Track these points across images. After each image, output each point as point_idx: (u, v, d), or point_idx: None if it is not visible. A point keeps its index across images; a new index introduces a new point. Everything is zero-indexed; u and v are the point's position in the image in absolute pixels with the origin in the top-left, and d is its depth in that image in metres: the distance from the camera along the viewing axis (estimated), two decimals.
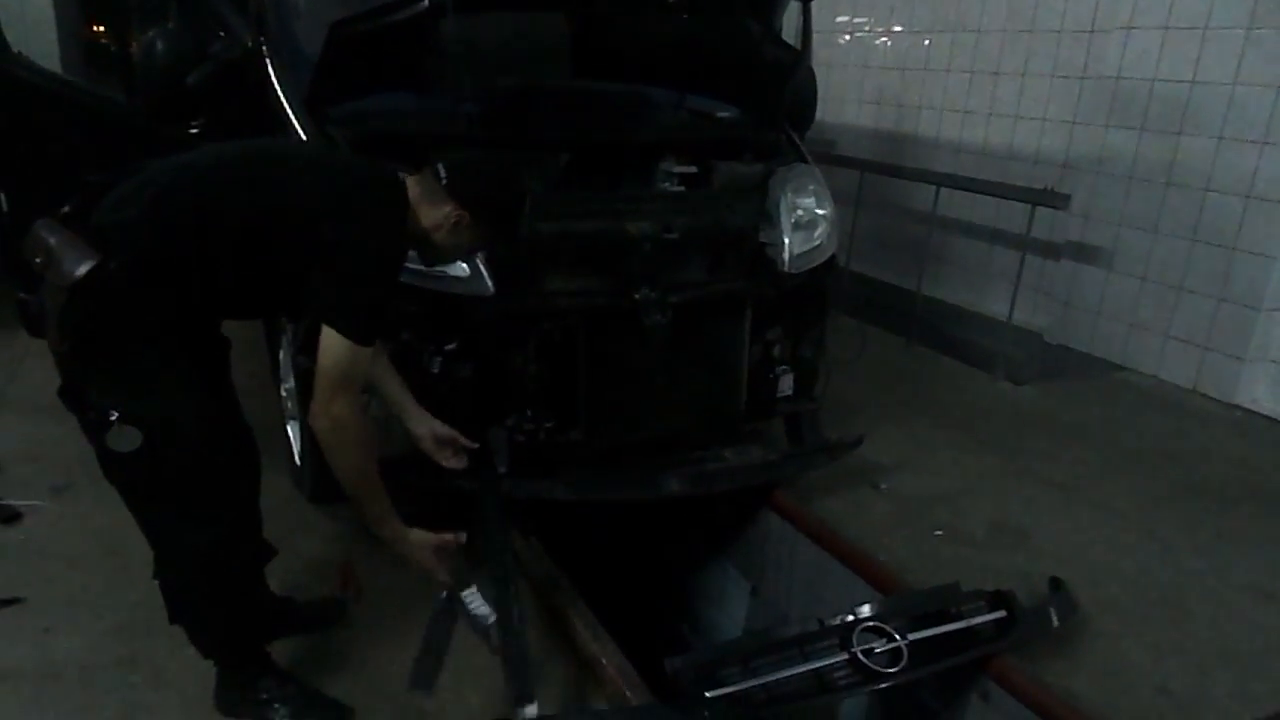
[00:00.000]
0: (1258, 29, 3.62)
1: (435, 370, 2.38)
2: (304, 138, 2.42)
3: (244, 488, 1.87)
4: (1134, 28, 4.07)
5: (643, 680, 2.07)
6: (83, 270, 1.55)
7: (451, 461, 2.17)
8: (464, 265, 2.35)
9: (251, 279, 1.75)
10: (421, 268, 2.22)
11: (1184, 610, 2.44)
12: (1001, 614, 2.17)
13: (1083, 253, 4.39)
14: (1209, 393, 3.91)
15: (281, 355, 2.82)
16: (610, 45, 3.24)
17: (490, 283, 2.37)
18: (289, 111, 2.47)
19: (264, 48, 2.60)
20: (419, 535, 1.88)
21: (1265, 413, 3.74)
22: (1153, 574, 2.60)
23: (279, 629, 2.11)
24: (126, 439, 1.62)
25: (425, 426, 2.14)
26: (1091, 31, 4.38)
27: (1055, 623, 2.24)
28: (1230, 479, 3.21)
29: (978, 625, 2.16)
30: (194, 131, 2.87)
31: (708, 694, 1.82)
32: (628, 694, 1.98)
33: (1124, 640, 2.30)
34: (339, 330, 1.68)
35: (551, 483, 2.47)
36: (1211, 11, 3.76)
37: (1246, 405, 3.79)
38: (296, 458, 2.80)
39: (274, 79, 2.54)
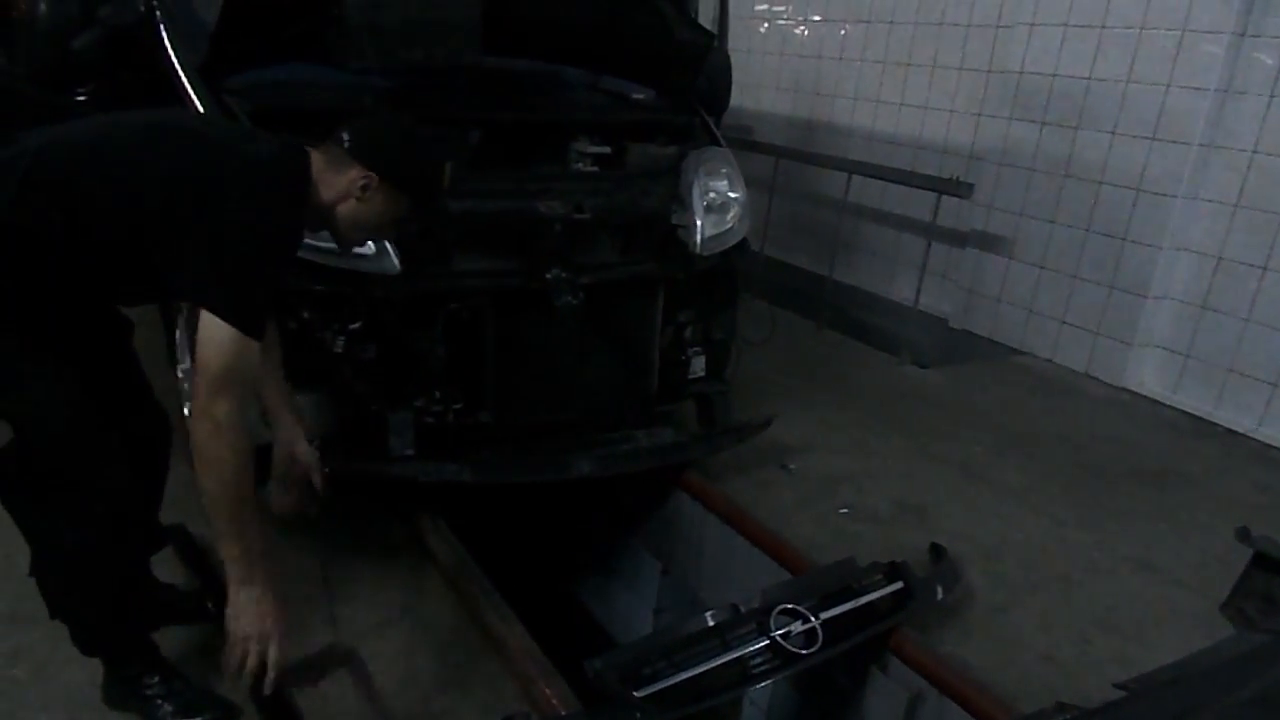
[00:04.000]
0: (1149, 29, 3.78)
1: (338, 350, 2.32)
2: (200, 108, 2.32)
3: (124, 482, 1.73)
4: (1037, 24, 4.21)
5: (552, 663, 2.06)
6: None
7: (285, 500, 2.03)
8: (370, 243, 2.30)
9: (123, 263, 1.63)
10: (324, 244, 2.17)
11: (1069, 582, 2.56)
12: (899, 585, 2.24)
13: (986, 241, 4.54)
14: (1099, 376, 4.10)
15: (178, 336, 2.71)
16: (523, 23, 3.19)
17: (396, 261, 2.32)
18: (184, 80, 2.37)
19: (157, 12, 2.49)
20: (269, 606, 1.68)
21: (1149, 395, 3.95)
22: (1042, 548, 2.72)
23: (160, 618, 2.01)
24: None
25: (291, 441, 2.00)
26: (997, 27, 4.52)
27: (940, 595, 2.32)
28: (1116, 458, 3.37)
29: (878, 599, 2.23)
30: (81, 99, 2.73)
31: (636, 694, 1.78)
32: (531, 673, 1.98)
33: (1013, 611, 2.40)
34: (225, 319, 1.53)
35: (459, 465, 2.44)
36: (1108, 11, 3.92)
37: (1133, 388, 3.99)
38: None
39: (167, 45, 2.43)
